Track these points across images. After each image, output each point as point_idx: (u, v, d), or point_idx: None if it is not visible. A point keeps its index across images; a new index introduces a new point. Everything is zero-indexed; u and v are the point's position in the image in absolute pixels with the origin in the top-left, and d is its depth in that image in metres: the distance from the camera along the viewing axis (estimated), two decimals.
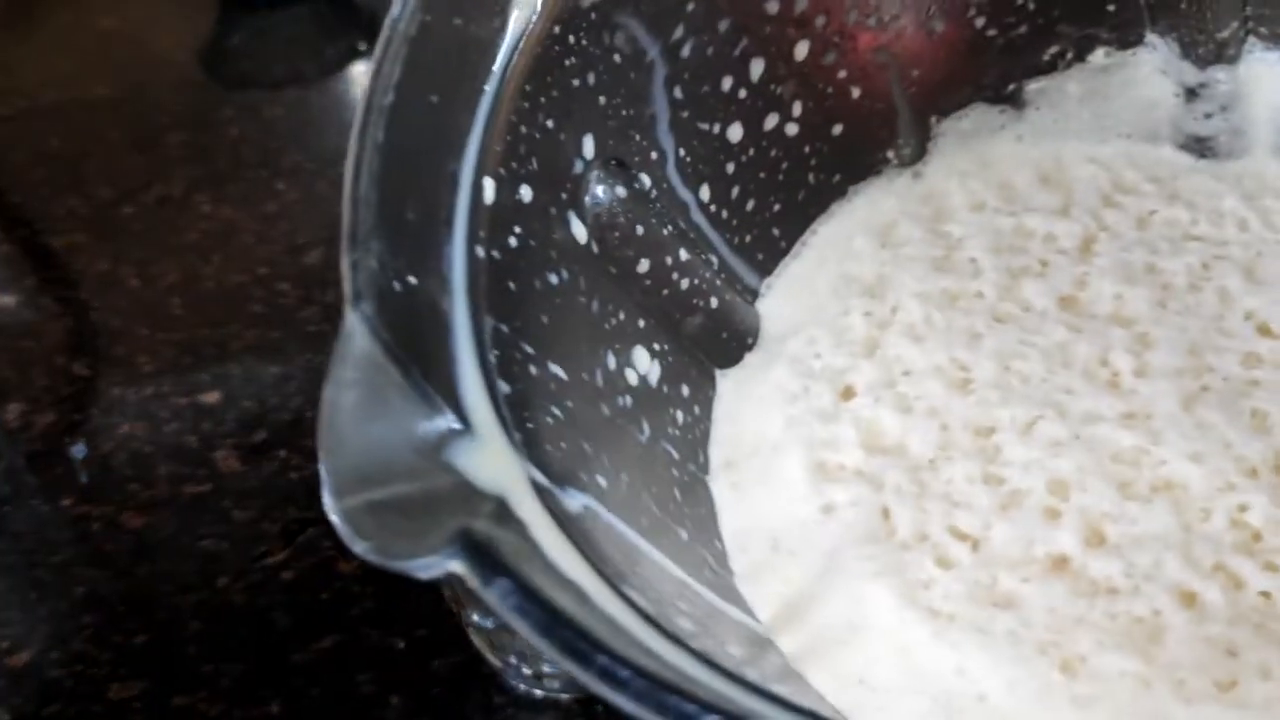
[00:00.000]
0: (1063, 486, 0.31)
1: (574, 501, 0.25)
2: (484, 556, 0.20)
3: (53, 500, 0.42)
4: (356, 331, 0.23)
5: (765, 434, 0.34)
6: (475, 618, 0.34)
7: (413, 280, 0.25)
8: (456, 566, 0.20)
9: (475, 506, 0.22)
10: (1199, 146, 0.39)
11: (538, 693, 0.35)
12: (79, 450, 0.44)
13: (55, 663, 0.37)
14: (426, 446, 0.23)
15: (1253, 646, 0.27)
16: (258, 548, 0.39)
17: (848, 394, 0.34)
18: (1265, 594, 0.28)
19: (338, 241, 0.23)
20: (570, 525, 0.23)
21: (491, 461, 0.23)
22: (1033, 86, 0.39)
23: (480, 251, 0.27)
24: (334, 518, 0.21)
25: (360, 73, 0.64)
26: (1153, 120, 0.39)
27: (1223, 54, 0.37)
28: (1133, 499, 0.30)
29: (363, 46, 0.65)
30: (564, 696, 0.35)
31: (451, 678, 0.35)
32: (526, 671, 0.34)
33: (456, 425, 0.24)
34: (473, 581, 0.20)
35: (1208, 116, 0.38)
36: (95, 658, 0.37)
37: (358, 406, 0.22)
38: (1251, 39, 0.37)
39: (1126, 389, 0.33)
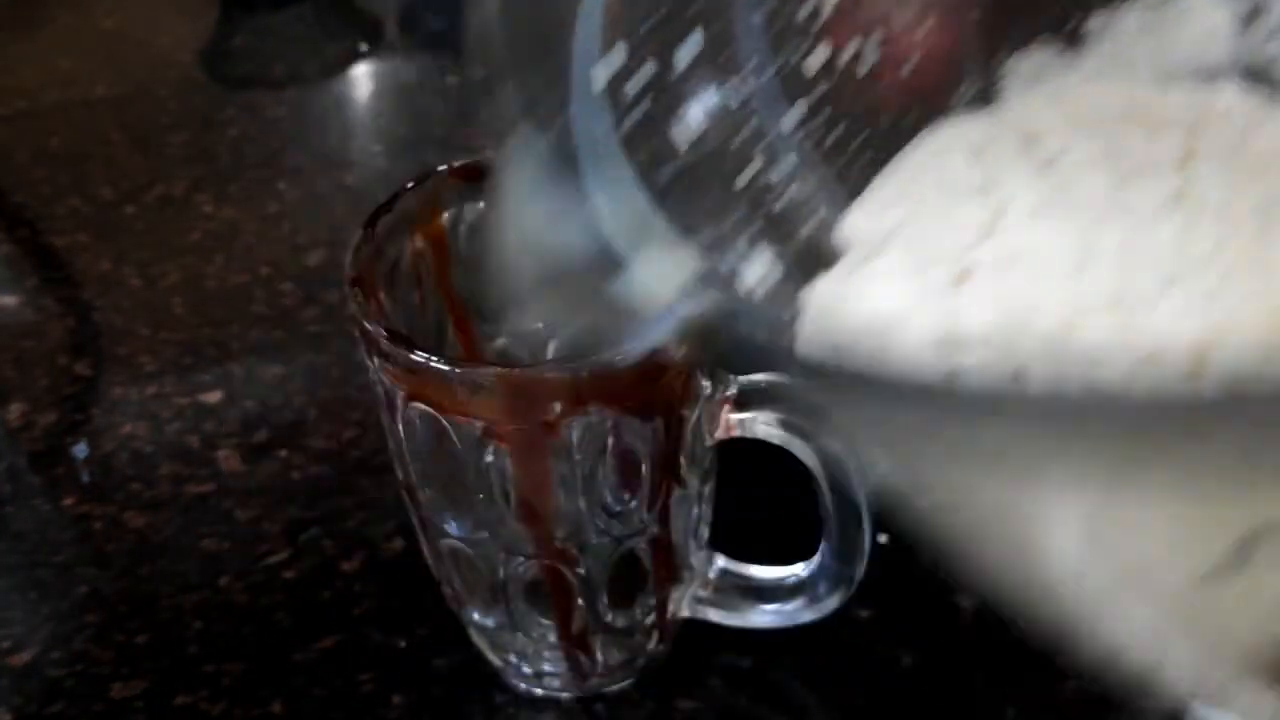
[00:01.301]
0: None
1: None
2: None
3: (54, 500, 0.41)
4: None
5: None
6: (476, 616, 0.33)
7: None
8: None
9: None
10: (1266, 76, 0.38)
11: (538, 691, 0.34)
12: (81, 450, 0.43)
13: (57, 662, 0.36)
14: None
15: None
16: (259, 547, 0.38)
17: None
18: None
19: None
20: None
21: None
22: (1093, 24, 0.39)
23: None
24: None
25: (361, 73, 0.63)
26: (1213, 53, 0.39)
27: None
28: None
29: (363, 47, 0.65)
30: (564, 695, 0.34)
31: (452, 677, 0.35)
32: (527, 670, 0.34)
33: None
34: None
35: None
36: (97, 657, 0.36)
37: None
38: None
39: None
